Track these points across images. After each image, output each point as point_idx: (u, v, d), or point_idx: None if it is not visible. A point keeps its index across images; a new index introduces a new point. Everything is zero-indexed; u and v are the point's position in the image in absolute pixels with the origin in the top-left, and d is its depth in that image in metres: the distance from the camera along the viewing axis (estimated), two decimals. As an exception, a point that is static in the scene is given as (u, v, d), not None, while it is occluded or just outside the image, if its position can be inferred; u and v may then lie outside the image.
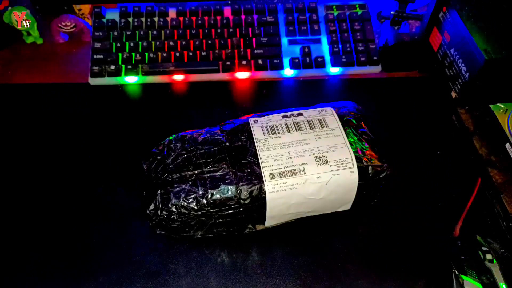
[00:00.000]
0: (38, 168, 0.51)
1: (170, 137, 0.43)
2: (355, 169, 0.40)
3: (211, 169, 0.39)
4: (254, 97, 0.60)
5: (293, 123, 0.43)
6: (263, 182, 0.38)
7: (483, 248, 0.42)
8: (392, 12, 0.61)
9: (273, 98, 0.59)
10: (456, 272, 0.41)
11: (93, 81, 0.60)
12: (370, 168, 0.40)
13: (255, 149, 0.40)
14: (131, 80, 0.60)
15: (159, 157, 0.41)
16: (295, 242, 0.45)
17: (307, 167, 0.39)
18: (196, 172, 0.39)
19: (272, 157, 0.40)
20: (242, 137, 0.41)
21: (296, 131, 0.42)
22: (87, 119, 0.56)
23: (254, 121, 0.43)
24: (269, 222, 0.42)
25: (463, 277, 0.40)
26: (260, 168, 0.39)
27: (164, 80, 0.60)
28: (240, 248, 0.44)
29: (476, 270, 0.40)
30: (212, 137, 0.42)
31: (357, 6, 0.65)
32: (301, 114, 0.44)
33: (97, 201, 0.48)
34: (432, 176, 0.50)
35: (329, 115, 0.43)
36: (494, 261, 0.41)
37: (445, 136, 0.54)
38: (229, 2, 0.67)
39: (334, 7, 0.64)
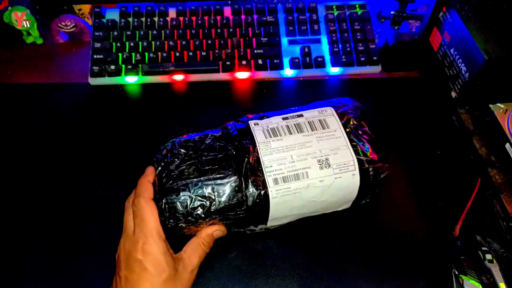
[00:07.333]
0: (38, 168, 0.51)
1: (172, 140, 0.43)
2: (357, 172, 0.40)
3: (217, 175, 0.39)
4: (254, 97, 0.60)
5: (294, 124, 0.42)
6: (267, 188, 0.38)
7: (483, 248, 0.42)
8: (392, 12, 0.61)
9: (273, 98, 0.59)
10: (456, 272, 0.41)
11: (93, 81, 0.60)
12: (371, 169, 0.40)
13: (258, 153, 0.40)
14: (131, 80, 0.60)
15: (163, 163, 0.40)
16: (295, 242, 0.45)
17: (310, 171, 0.39)
18: (201, 179, 0.39)
19: (275, 161, 0.39)
20: (244, 141, 0.41)
21: (298, 133, 0.41)
22: (87, 119, 0.56)
23: (254, 124, 0.42)
24: (271, 223, 0.42)
25: (463, 277, 0.40)
26: (263, 174, 0.39)
27: (164, 80, 0.60)
28: (240, 248, 0.44)
29: (476, 270, 0.40)
30: (215, 142, 0.41)
31: (357, 6, 0.65)
32: (301, 115, 0.43)
33: (97, 201, 0.48)
34: (432, 176, 0.50)
35: (330, 116, 0.43)
36: (494, 261, 0.41)
37: (445, 136, 0.54)
38: (229, 2, 0.67)
39: (334, 7, 0.64)
